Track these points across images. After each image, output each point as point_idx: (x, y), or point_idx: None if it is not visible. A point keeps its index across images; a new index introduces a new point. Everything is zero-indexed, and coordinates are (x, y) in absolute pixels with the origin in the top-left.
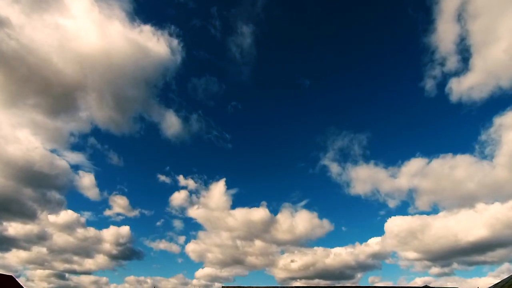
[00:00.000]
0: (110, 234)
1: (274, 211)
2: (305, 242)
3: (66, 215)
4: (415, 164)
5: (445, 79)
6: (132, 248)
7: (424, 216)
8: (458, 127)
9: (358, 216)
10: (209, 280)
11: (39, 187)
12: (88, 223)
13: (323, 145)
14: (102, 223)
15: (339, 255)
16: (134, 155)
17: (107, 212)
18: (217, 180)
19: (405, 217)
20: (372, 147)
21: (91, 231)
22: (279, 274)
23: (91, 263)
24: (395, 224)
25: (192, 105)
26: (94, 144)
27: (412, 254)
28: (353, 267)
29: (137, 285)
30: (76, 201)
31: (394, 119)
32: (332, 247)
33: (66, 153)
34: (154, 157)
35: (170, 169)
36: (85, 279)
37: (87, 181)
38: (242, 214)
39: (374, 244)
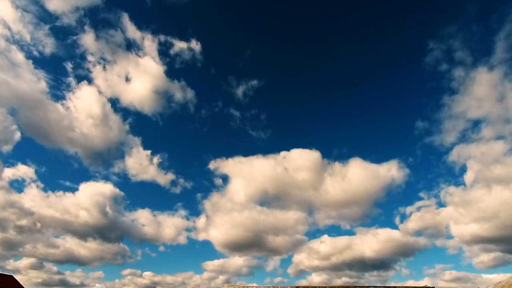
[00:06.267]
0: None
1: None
2: (349, 212)
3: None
4: None
5: None
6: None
7: None
8: None
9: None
10: (217, 272)
11: None
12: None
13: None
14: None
15: (382, 235)
16: None
17: None
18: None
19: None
20: None
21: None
22: (303, 262)
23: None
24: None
25: None
26: None
27: (479, 230)
28: (395, 252)
29: (134, 279)
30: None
31: None
32: (380, 221)
33: None
34: None
35: None
36: (78, 273)
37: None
38: (269, 163)
39: (436, 213)
